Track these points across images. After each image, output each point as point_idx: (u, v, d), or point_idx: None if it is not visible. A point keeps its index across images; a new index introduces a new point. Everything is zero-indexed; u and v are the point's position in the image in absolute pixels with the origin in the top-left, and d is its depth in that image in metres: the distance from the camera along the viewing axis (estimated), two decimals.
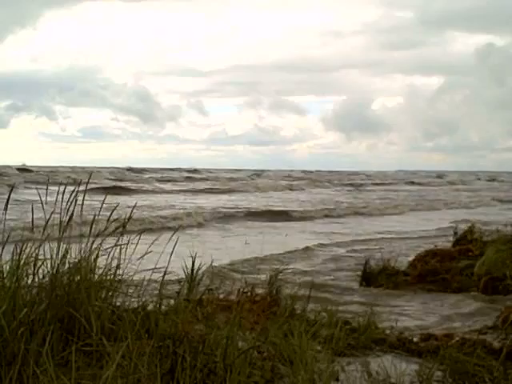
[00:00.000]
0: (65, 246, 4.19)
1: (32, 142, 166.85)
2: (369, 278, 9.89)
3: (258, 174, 79.55)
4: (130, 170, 74.42)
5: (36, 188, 4.65)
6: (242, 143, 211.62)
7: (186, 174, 68.44)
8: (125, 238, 4.47)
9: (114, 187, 39.16)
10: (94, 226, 4.35)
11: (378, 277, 9.79)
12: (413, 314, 8.02)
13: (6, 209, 4.16)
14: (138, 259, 4.60)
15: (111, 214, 4.45)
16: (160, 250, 4.59)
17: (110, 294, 4.25)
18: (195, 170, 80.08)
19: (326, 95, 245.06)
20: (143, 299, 4.36)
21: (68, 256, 4.16)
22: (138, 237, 4.53)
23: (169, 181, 56.66)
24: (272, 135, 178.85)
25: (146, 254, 4.76)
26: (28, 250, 4.05)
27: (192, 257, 5.79)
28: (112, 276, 4.31)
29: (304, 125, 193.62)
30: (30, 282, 4.00)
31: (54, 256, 4.11)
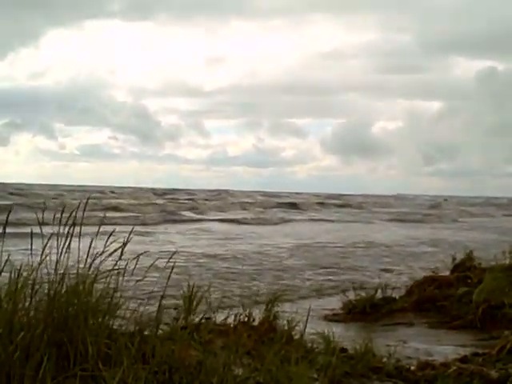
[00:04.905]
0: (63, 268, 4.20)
1: (31, 160, 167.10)
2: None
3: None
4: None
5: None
6: (241, 164, 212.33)
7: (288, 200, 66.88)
8: (122, 262, 4.47)
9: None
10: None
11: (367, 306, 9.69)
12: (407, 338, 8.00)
13: None
14: (136, 282, 4.61)
15: None
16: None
17: (107, 317, 4.25)
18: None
19: (325, 118, 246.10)
20: (140, 324, 4.35)
21: (66, 279, 4.16)
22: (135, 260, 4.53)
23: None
24: (272, 157, 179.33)
25: (144, 277, 4.77)
26: (26, 272, 4.05)
27: None
28: (109, 300, 4.30)
29: (304, 147, 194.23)
30: (27, 304, 3.99)
31: (52, 279, 4.11)
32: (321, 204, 63.40)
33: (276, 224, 37.31)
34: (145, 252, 4.93)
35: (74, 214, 4.30)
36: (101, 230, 4.48)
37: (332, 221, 41.26)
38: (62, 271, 4.16)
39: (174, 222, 34.54)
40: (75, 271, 4.23)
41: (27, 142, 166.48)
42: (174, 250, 18.31)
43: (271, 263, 17.12)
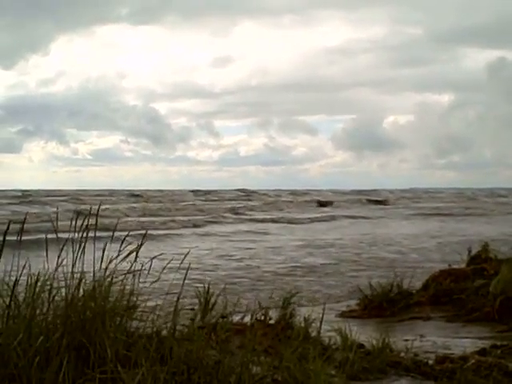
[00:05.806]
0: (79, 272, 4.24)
1: (44, 166, 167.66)
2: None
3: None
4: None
5: None
6: (253, 164, 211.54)
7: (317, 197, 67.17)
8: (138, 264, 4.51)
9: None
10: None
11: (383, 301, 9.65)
12: (425, 332, 7.97)
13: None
14: (152, 283, 4.64)
15: None
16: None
17: (124, 320, 4.28)
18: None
19: (336, 114, 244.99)
20: (157, 325, 4.38)
21: (82, 283, 4.20)
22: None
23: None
24: (284, 155, 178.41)
25: (158, 279, 4.80)
26: (43, 277, 4.10)
27: None
28: (126, 302, 4.34)
29: (315, 144, 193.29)
30: (45, 309, 4.04)
31: (69, 283, 4.16)
32: (354, 201, 63.31)
33: (331, 220, 37.38)
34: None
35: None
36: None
37: (380, 218, 40.65)
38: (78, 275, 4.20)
39: (218, 223, 33.83)
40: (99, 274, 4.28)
41: (40, 149, 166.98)
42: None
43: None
